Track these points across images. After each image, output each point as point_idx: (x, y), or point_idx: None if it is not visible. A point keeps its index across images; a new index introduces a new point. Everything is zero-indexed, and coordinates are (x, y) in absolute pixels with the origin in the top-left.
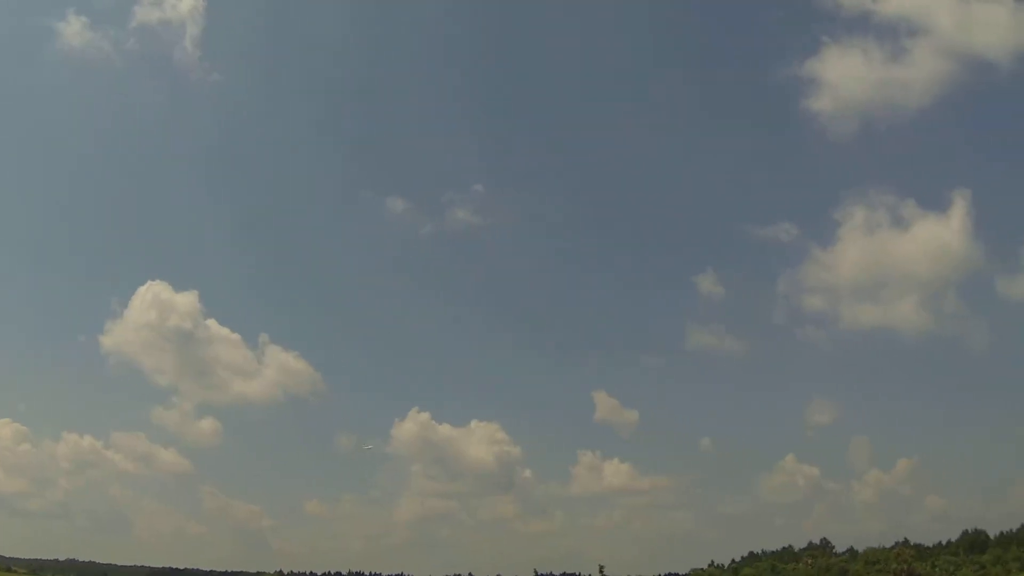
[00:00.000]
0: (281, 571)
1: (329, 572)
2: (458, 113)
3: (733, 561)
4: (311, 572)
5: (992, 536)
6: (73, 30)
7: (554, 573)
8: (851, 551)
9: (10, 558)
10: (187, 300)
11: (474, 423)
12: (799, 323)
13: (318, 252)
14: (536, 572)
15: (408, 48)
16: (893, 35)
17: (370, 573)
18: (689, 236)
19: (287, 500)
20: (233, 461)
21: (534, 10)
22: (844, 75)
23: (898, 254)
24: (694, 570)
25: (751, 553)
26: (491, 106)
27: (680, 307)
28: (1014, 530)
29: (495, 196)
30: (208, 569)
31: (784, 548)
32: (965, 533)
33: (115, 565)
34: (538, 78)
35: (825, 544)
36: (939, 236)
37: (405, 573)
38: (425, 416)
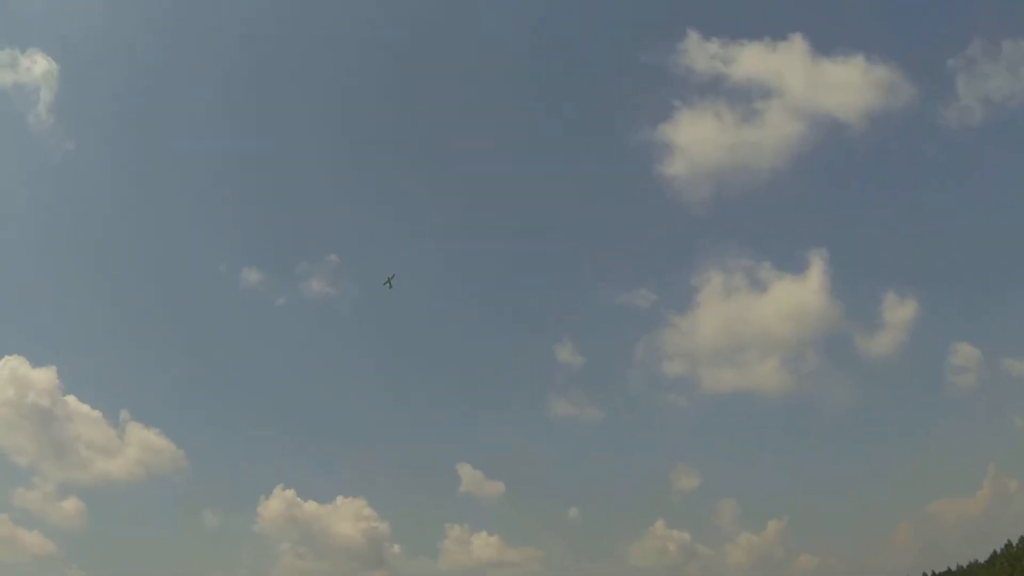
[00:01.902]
0: None
1: None
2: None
3: None
4: None
5: None
6: None
7: None
8: None
9: None
10: (45, 376)
11: (340, 499)
12: (660, 389)
13: (176, 325)
14: None
15: (269, 118)
16: (745, 98)
17: None
18: (546, 305)
19: None
20: (99, 542)
21: (375, 81)
22: (697, 139)
23: (757, 316)
24: None
25: None
26: (341, 172)
27: (540, 376)
28: None
29: (349, 265)
30: None
31: None
32: None
33: None
34: (388, 152)
35: None
36: (797, 296)
37: None
38: (291, 493)
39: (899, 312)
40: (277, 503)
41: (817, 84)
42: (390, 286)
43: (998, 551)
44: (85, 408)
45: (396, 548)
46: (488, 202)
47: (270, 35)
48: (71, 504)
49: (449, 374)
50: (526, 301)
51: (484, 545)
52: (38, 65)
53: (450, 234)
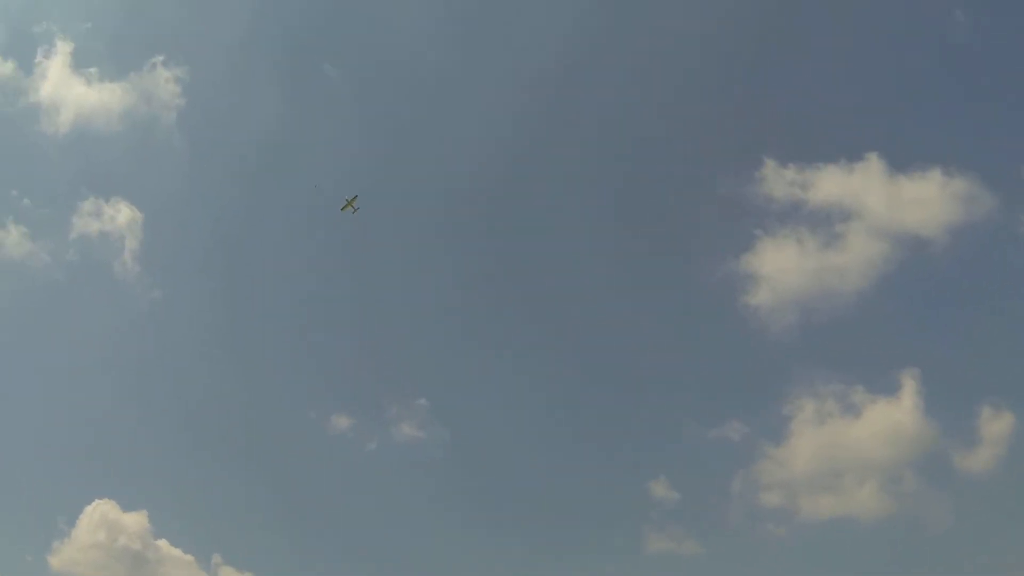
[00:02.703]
0: None
1: None
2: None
3: None
4: None
5: None
6: (13, 240)
7: None
8: None
9: None
10: (136, 520)
11: None
12: (758, 520)
13: (266, 471)
14: None
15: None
16: (826, 221)
17: None
18: (640, 443)
19: None
20: None
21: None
22: (780, 267)
23: (852, 441)
24: None
25: None
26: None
27: (636, 513)
28: None
29: (439, 409)
30: None
31: None
32: None
33: None
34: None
35: None
36: (891, 418)
37: None
38: None
39: (996, 426)
40: None
41: (896, 202)
42: (353, 209)
43: None
44: (177, 552)
45: None
46: (575, 342)
47: (349, 186)
48: None
49: (543, 516)
50: (618, 440)
51: None
52: (122, 214)
53: (538, 374)
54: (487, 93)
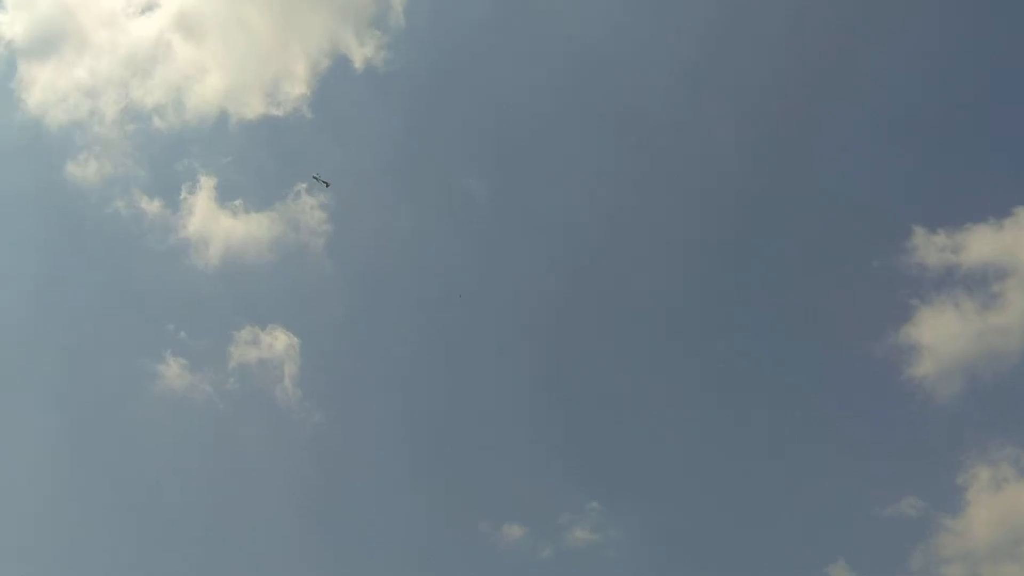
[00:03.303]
0: None
1: None
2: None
3: None
4: None
5: None
6: (173, 372)
7: None
8: None
9: None
10: None
11: None
12: None
13: None
14: None
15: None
16: (982, 283)
17: None
18: (815, 526)
19: None
20: None
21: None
22: (941, 335)
23: None
24: None
25: None
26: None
27: None
28: None
29: (611, 511)
30: None
31: None
32: None
33: None
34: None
35: None
36: None
37: None
38: None
39: None
40: None
41: None
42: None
43: None
44: None
45: None
46: (740, 430)
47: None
48: None
49: None
50: (794, 524)
51: None
52: (279, 340)
53: (705, 462)
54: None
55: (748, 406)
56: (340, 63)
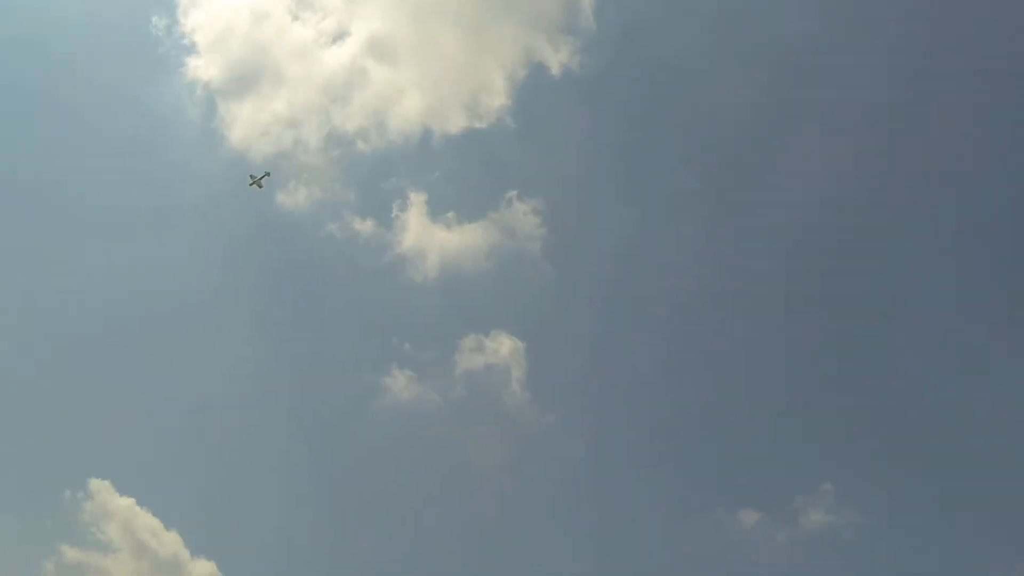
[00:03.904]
0: None
1: None
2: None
3: None
4: None
5: None
6: (400, 384)
7: None
8: None
9: None
10: None
11: None
12: None
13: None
14: None
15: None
16: None
17: None
18: None
19: None
20: None
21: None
22: None
23: None
24: None
25: None
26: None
27: None
28: None
29: (846, 492)
30: None
31: None
32: None
33: None
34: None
35: None
36: None
37: None
38: None
39: None
40: None
41: None
42: (259, 185)
43: None
44: None
45: None
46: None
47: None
48: None
49: None
50: None
51: None
52: (504, 345)
53: (948, 440)
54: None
55: (1002, 385)
56: (536, 71)
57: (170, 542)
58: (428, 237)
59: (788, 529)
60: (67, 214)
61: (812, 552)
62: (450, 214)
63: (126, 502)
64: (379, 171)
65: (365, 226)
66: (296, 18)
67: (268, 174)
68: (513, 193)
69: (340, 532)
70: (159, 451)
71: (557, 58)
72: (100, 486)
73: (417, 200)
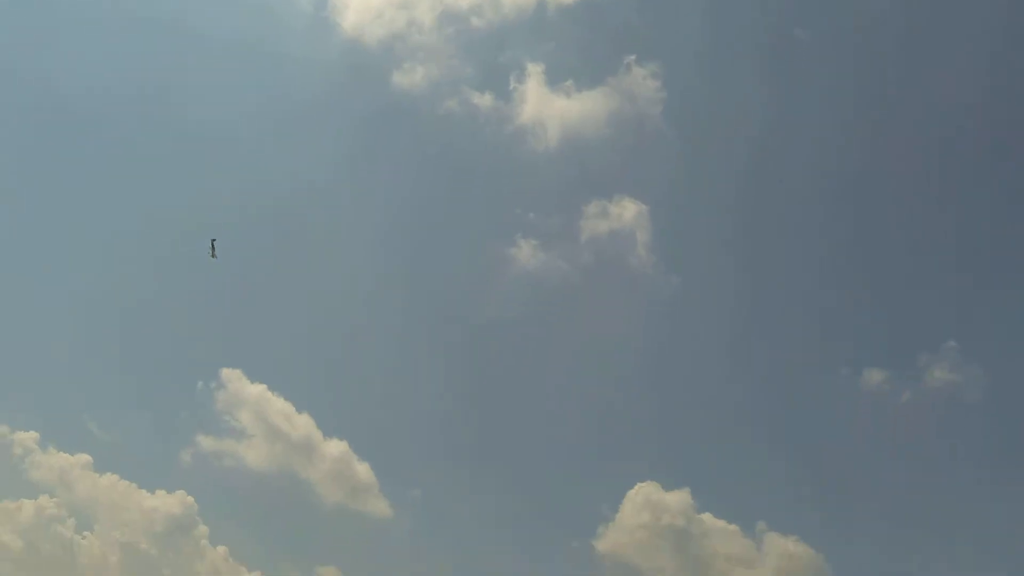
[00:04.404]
0: None
1: None
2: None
3: None
4: None
5: None
6: (526, 254)
7: None
8: None
9: None
10: (678, 498)
11: None
12: None
13: (804, 433)
14: None
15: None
16: None
17: None
18: None
19: None
20: None
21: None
22: None
23: None
24: None
25: None
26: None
27: None
28: None
29: (970, 349)
30: None
31: None
32: None
33: None
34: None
35: None
36: None
37: None
38: None
39: None
40: None
41: None
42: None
43: None
44: (721, 523)
45: None
46: None
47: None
48: None
49: None
50: None
51: None
52: (628, 210)
53: None
54: None
55: None
56: None
57: (302, 425)
58: (547, 107)
59: (912, 388)
60: (188, 122)
61: (937, 411)
62: (568, 82)
63: (257, 389)
64: (495, 45)
65: (484, 100)
66: None
67: (214, 240)
68: (631, 58)
69: (471, 406)
70: (288, 338)
71: None
72: (232, 375)
73: (534, 71)
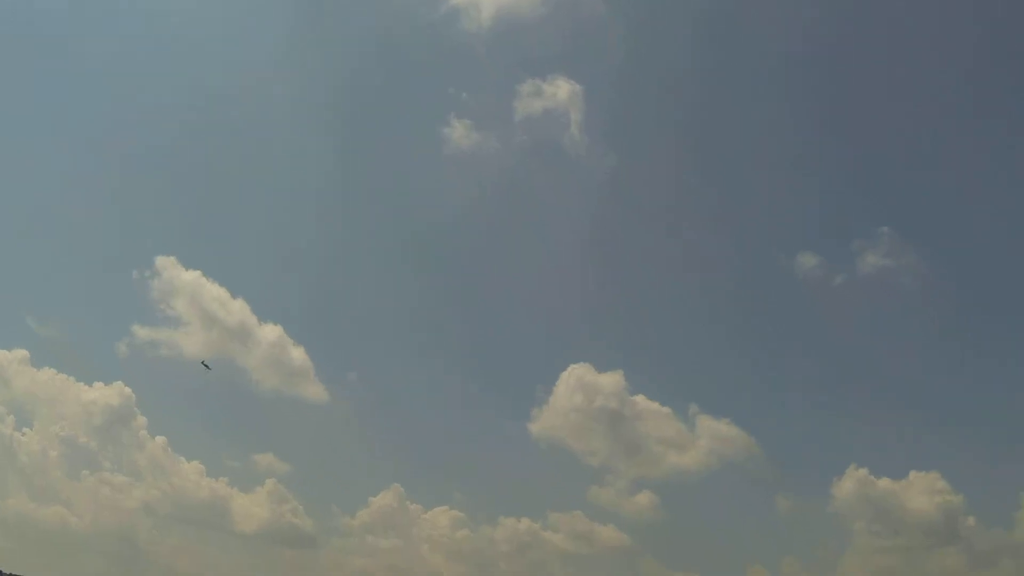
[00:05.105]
0: None
1: None
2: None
3: None
4: None
5: None
6: (459, 133)
7: None
8: None
9: None
10: (612, 380)
11: (913, 474)
12: None
13: (738, 316)
14: None
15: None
16: None
17: None
18: None
19: (729, 568)
20: (672, 532)
21: None
22: None
23: None
24: None
25: None
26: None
27: None
28: None
29: (904, 236)
30: None
31: None
32: None
33: None
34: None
35: None
36: None
37: None
38: (863, 472)
39: None
40: (850, 483)
41: None
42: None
43: None
44: (654, 406)
45: (971, 520)
46: None
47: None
48: (643, 498)
49: (1019, 338)
50: None
51: None
52: (562, 90)
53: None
54: None
55: None
56: None
57: (237, 310)
58: None
59: (846, 273)
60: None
61: (870, 296)
62: None
63: (192, 276)
64: None
65: None
66: None
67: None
68: None
69: (405, 289)
70: (222, 223)
71: None
72: (166, 263)
73: None
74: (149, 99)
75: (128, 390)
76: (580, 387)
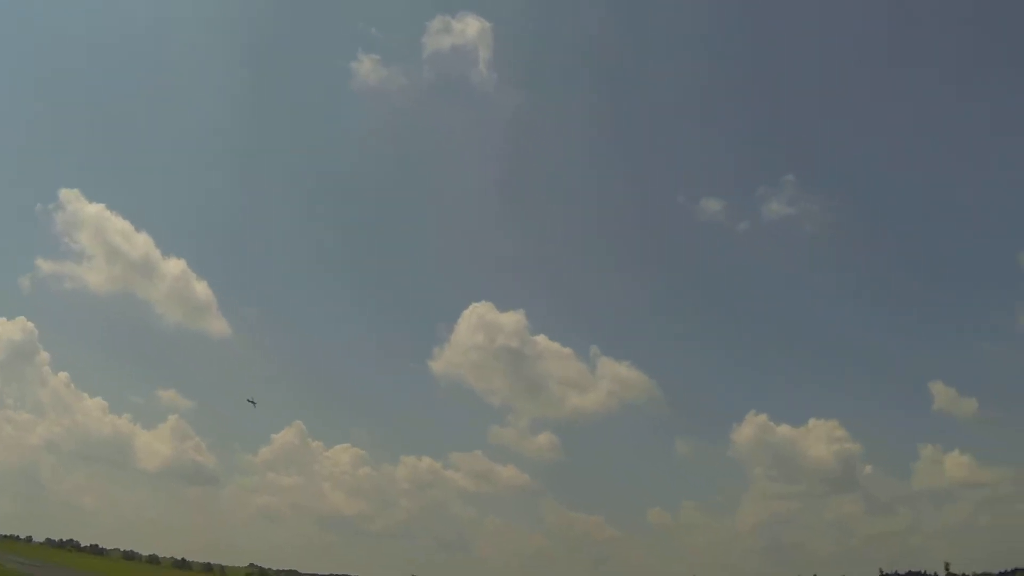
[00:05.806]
0: None
1: None
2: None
3: None
4: None
5: None
6: (367, 68)
7: (899, 573)
8: None
9: None
10: (513, 319)
11: (812, 421)
12: None
13: (641, 260)
14: (882, 572)
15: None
16: None
17: None
18: (1007, 213)
19: (629, 510)
20: (572, 473)
21: None
22: None
23: None
24: None
25: None
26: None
27: (1005, 286)
28: None
29: (808, 183)
30: None
31: None
32: None
33: None
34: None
35: None
36: None
37: None
38: (762, 418)
39: None
40: (749, 428)
41: None
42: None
43: None
44: (555, 346)
45: (868, 469)
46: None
47: None
48: (544, 438)
49: (918, 288)
50: (984, 212)
51: (956, 465)
52: (471, 27)
53: (914, 137)
54: None
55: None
56: None
57: (142, 244)
58: None
59: (750, 219)
60: None
61: (773, 242)
62: None
63: (96, 208)
64: None
65: None
66: None
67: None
68: None
69: (308, 223)
70: (126, 155)
71: None
72: (70, 195)
73: None
74: (55, 27)
75: (31, 325)
76: (481, 326)
